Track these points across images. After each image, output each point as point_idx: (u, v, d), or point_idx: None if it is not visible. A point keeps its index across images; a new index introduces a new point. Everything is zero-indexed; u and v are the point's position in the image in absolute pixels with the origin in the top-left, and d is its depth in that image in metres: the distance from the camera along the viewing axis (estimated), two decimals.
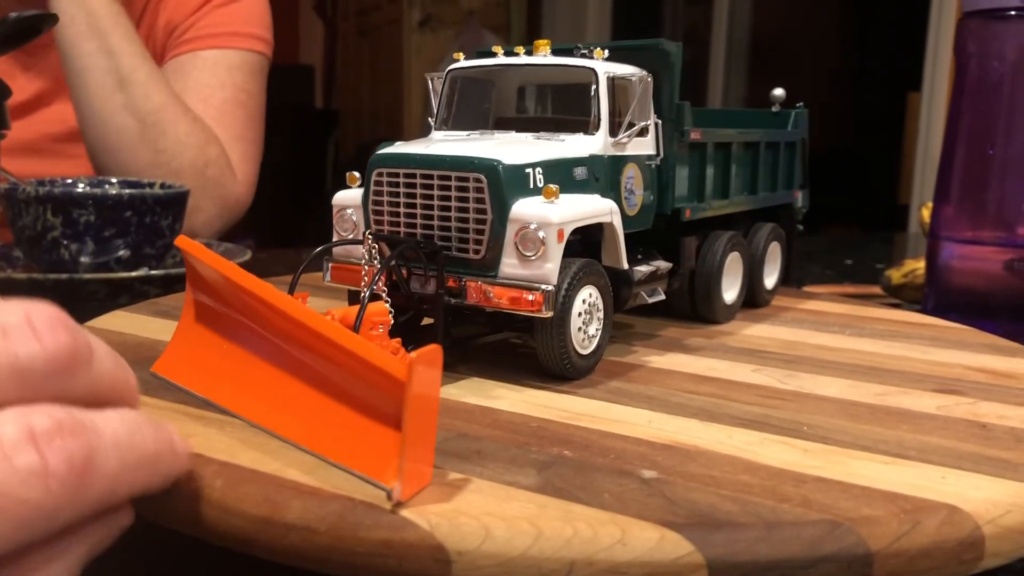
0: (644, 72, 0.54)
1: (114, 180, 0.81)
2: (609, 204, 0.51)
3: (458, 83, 0.58)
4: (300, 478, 0.32)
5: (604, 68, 0.53)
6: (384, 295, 0.45)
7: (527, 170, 0.47)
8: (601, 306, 0.50)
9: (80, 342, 0.26)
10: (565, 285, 0.47)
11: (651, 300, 0.55)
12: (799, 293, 0.76)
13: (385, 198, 0.50)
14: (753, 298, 0.69)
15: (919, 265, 0.80)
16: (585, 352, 0.49)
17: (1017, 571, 0.35)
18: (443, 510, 0.30)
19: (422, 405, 0.31)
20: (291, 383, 0.35)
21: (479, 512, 0.30)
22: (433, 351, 0.31)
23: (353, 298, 0.51)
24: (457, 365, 0.50)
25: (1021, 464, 0.36)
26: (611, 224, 0.51)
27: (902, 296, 0.82)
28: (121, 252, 0.73)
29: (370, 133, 3.87)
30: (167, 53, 1.09)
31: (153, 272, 0.70)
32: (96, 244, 0.72)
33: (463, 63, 0.58)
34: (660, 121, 0.56)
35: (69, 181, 0.79)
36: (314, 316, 0.35)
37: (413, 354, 0.30)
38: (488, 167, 0.47)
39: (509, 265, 0.47)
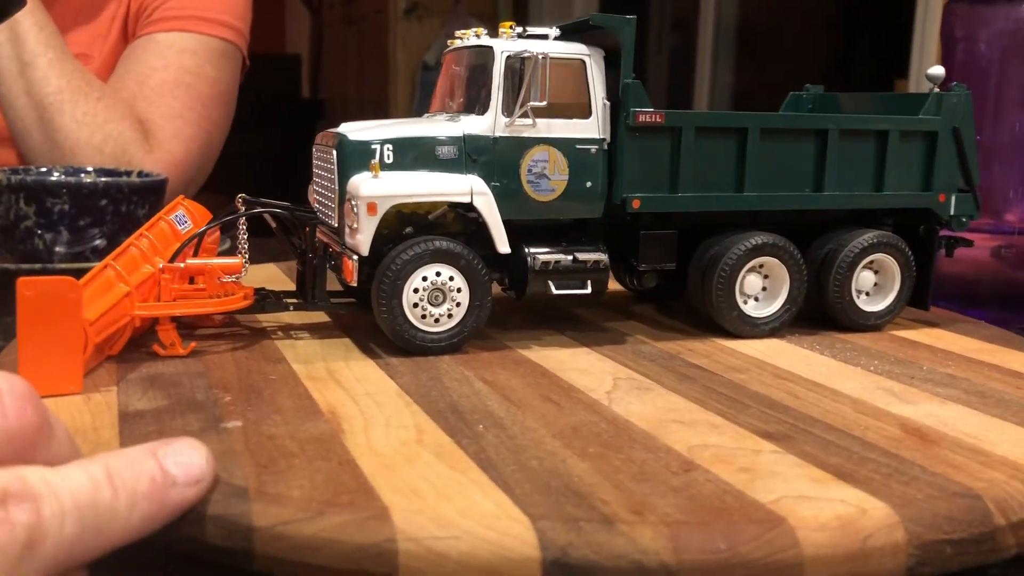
0: (540, 50, 0.51)
1: (90, 168, 0.80)
2: (468, 183, 0.50)
3: (437, 68, 0.60)
4: None
5: (503, 47, 0.52)
6: (245, 251, 0.53)
7: (374, 147, 0.50)
8: (463, 287, 0.51)
9: (44, 421, 0.27)
10: (399, 260, 0.49)
11: (558, 292, 0.53)
12: (945, 318, 0.64)
13: (315, 170, 0.57)
14: (837, 319, 0.59)
15: None
16: (429, 329, 0.50)
17: None
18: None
19: (43, 323, 0.39)
20: None
21: (58, 411, 0.39)
22: (50, 283, 0.39)
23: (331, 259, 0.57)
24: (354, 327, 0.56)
25: (591, 502, 0.32)
26: (474, 205, 0.51)
27: None
28: (97, 242, 0.71)
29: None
30: (136, 33, 1.08)
31: None
32: (71, 234, 0.70)
33: (449, 48, 0.59)
34: (608, 103, 0.54)
35: (43, 169, 0.77)
36: (130, 240, 0.49)
37: (22, 279, 0.38)
38: (337, 142, 0.51)
39: (346, 234, 0.51)
